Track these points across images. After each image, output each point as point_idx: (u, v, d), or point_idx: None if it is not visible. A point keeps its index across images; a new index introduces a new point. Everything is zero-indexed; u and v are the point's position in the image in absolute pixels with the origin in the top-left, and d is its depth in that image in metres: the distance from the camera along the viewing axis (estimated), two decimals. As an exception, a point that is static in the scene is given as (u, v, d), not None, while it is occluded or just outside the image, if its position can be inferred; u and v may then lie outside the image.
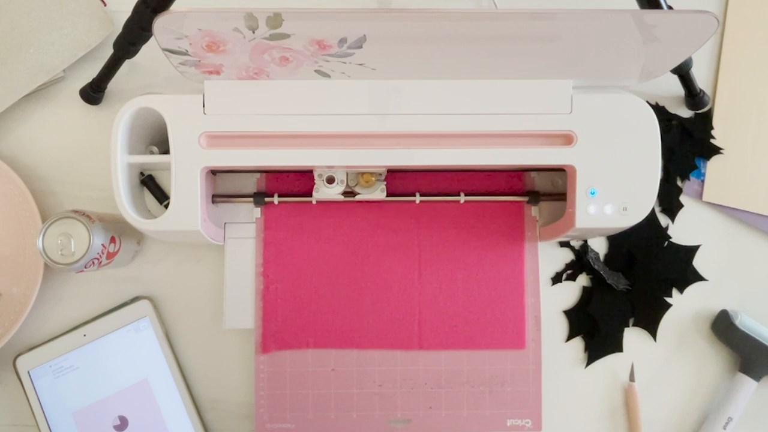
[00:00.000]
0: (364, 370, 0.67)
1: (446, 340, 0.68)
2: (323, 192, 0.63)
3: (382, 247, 0.68)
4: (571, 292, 0.71)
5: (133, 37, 0.60)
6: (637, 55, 0.56)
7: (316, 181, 0.63)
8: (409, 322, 0.68)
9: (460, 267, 0.68)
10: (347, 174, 0.64)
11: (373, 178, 0.64)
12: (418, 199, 0.67)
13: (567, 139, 0.60)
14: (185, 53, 0.53)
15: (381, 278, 0.68)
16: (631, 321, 0.70)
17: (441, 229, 0.69)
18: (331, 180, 0.63)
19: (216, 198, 0.67)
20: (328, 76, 0.57)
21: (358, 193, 0.65)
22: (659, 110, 0.71)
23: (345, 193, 0.64)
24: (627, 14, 0.50)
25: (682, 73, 0.67)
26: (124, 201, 0.59)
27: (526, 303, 0.68)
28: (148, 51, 0.61)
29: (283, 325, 0.67)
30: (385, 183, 0.65)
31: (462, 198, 0.68)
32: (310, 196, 0.67)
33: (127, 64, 0.65)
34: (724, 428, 0.67)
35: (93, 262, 0.60)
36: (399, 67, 0.56)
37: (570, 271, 0.70)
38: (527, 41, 0.53)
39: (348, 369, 0.67)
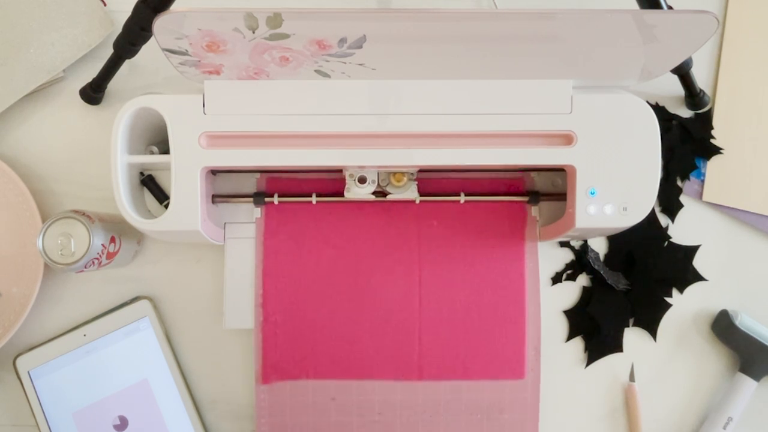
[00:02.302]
0: (364, 399, 0.67)
1: (446, 371, 0.67)
2: (354, 192, 0.63)
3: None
4: (571, 292, 0.71)
5: (133, 37, 0.60)
6: (637, 55, 0.56)
7: (347, 181, 0.63)
8: (409, 352, 0.67)
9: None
10: (378, 174, 0.63)
11: (405, 178, 0.64)
12: (418, 199, 0.67)
13: (567, 139, 0.60)
14: (185, 53, 0.53)
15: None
16: (631, 321, 0.70)
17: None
18: (363, 180, 0.63)
19: (216, 198, 0.67)
20: (328, 76, 0.57)
21: (390, 193, 0.65)
22: (659, 110, 0.71)
23: (375, 193, 0.64)
24: (627, 14, 0.50)
25: (682, 73, 0.67)
26: (124, 201, 0.59)
27: (527, 333, 0.68)
28: (148, 51, 0.61)
29: (283, 355, 0.67)
30: (416, 183, 0.64)
31: (462, 198, 0.68)
32: (311, 196, 0.67)
33: (127, 64, 0.65)
34: (724, 428, 0.67)
35: (93, 262, 0.60)
36: (399, 67, 0.56)
37: (570, 271, 0.70)
38: (527, 41, 0.53)
39: (348, 398, 0.67)
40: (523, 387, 0.68)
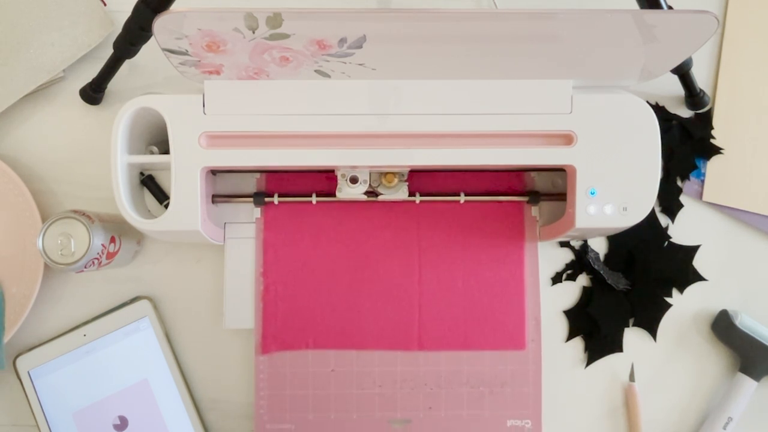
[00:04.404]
0: (363, 371, 0.67)
1: (446, 341, 0.68)
2: (346, 192, 0.63)
3: (382, 247, 0.68)
4: (571, 292, 0.71)
5: (133, 37, 0.60)
6: (637, 55, 0.56)
7: (339, 181, 0.63)
8: (409, 322, 0.68)
9: (460, 267, 0.68)
10: (370, 174, 0.63)
11: (396, 179, 0.64)
12: (418, 199, 0.67)
13: (567, 139, 0.60)
14: (185, 53, 0.53)
15: (381, 279, 0.68)
16: (631, 321, 0.70)
17: (441, 229, 0.68)
18: (354, 180, 0.63)
19: (216, 198, 0.67)
20: (328, 76, 0.58)
21: (381, 194, 0.65)
22: (659, 110, 0.71)
23: (367, 193, 0.64)
24: (627, 14, 0.50)
25: (682, 73, 0.67)
26: (124, 201, 0.59)
27: (526, 304, 0.68)
28: (148, 51, 0.61)
29: (283, 325, 0.67)
30: (407, 183, 0.65)
31: (462, 198, 0.68)
32: (310, 196, 0.67)
33: (127, 64, 0.65)
34: (724, 428, 0.67)
35: (93, 262, 0.60)
36: (399, 67, 0.56)
37: (570, 271, 0.70)
38: (527, 41, 0.53)
39: (348, 369, 0.67)
40: (525, 358, 0.68)
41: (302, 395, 0.67)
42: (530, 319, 0.68)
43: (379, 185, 0.64)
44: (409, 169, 0.64)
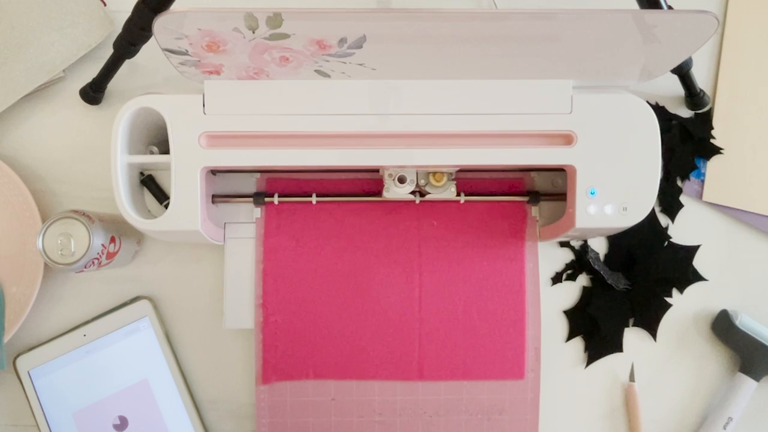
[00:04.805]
0: (364, 400, 0.67)
1: (446, 371, 0.67)
2: (393, 192, 0.63)
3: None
4: (571, 292, 0.71)
5: (133, 37, 0.60)
6: (637, 55, 0.56)
7: (386, 181, 0.63)
8: (409, 353, 0.67)
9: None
10: (417, 173, 0.63)
11: (445, 177, 0.64)
12: (418, 199, 0.67)
13: (567, 139, 0.60)
14: (185, 53, 0.53)
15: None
16: (631, 321, 0.70)
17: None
18: (402, 180, 0.63)
19: (216, 198, 0.67)
20: (328, 76, 0.57)
21: (428, 193, 0.65)
22: (659, 110, 0.71)
23: (414, 193, 0.64)
24: (627, 14, 0.50)
25: (682, 73, 0.67)
26: (124, 201, 0.59)
27: (527, 334, 0.68)
28: (148, 51, 0.61)
29: (283, 356, 0.67)
30: (455, 182, 0.64)
31: (462, 198, 0.68)
32: (310, 196, 0.67)
33: (127, 64, 0.65)
34: (724, 428, 0.67)
35: (93, 262, 0.60)
36: (399, 67, 0.56)
37: (570, 271, 0.70)
38: (527, 41, 0.53)
39: (348, 399, 0.67)
40: (523, 387, 0.68)
41: (303, 423, 0.67)
42: (530, 349, 0.68)
43: (426, 184, 0.64)
44: (457, 168, 0.63)
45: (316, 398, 0.67)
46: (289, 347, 0.67)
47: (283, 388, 0.67)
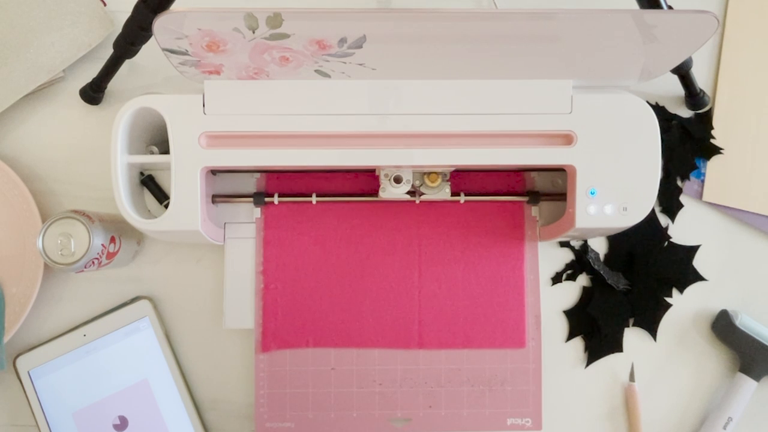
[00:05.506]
0: (364, 369, 0.67)
1: (446, 340, 0.68)
2: (389, 192, 0.63)
3: (382, 247, 0.68)
4: (571, 292, 0.71)
5: (133, 37, 0.60)
6: (637, 55, 0.56)
7: (381, 181, 0.63)
8: (409, 321, 0.68)
9: (460, 267, 0.68)
10: (413, 174, 0.63)
11: (439, 178, 0.64)
12: (418, 199, 0.67)
13: (567, 139, 0.60)
14: (185, 53, 0.53)
15: (381, 278, 0.68)
16: (631, 321, 0.70)
17: (441, 229, 0.69)
18: (398, 180, 0.63)
19: (216, 198, 0.67)
20: (328, 76, 0.58)
21: (423, 193, 0.65)
22: (659, 110, 0.71)
23: (409, 193, 0.64)
24: (627, 14, 0.50)
25: (682, 73, 0.67)
26: (124, 201, 0.59)
27: (526, 302, 0.68)
28: (148, 51, 0.61)
29: (282, 324, 0.67)
30: (450, 183, 0.65)
31: (462, 198, 0.68)
32: (310, 196, 0.67)
33: (127, 64, 0.65)
34: (724, 428, 0.67)
35: (93, 262, 0.60)
36: (399, 67, 0.56)
37: (570, 271, 0.70)
38: (527, 41, 0.53)
39: (348, 368, 0.67)
40: (525, 356, 0.68)
41: (302, 393, 0.67)
42: (530, 316, 0.68)
43: (422, 185, 0.64)
44: (452, 168, 0.63)
45: (316, 367, 0.67)
46: (289, 315, 0.67)
47: (282, 357, 0.67)
